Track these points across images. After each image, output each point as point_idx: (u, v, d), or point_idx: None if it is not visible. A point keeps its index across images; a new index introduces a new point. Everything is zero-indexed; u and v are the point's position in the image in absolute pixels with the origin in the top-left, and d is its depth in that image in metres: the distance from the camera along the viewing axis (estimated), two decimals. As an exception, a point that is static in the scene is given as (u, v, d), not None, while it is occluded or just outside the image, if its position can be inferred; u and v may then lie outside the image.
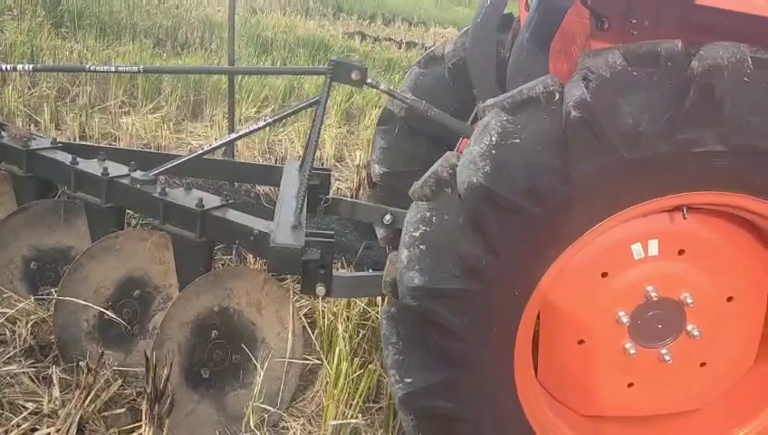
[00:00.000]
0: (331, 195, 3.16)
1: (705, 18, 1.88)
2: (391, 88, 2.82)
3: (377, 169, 3.35)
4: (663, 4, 1.90)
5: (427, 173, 2.03)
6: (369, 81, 2.60)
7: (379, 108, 6.43)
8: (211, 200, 2.45)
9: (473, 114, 2.98)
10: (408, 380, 1.99)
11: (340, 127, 5.93)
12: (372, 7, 15.32)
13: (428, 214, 1.96)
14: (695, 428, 2.30)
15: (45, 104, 4.78)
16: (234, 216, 2.41)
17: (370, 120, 6.16)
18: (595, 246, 1.97)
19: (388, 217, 3.09)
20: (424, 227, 1.95)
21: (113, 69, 3.18)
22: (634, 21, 2.07)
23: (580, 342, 2.14)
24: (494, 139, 1.85)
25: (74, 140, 4.41)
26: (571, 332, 2.12)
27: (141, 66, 2.82)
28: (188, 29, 8.07)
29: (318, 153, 4.90)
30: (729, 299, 2.10)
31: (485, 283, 1.87)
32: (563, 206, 1.82)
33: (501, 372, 2.00)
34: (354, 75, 2.56)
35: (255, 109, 5.93)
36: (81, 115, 4.83)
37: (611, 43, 2.03)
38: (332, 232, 2.41)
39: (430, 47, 11.17)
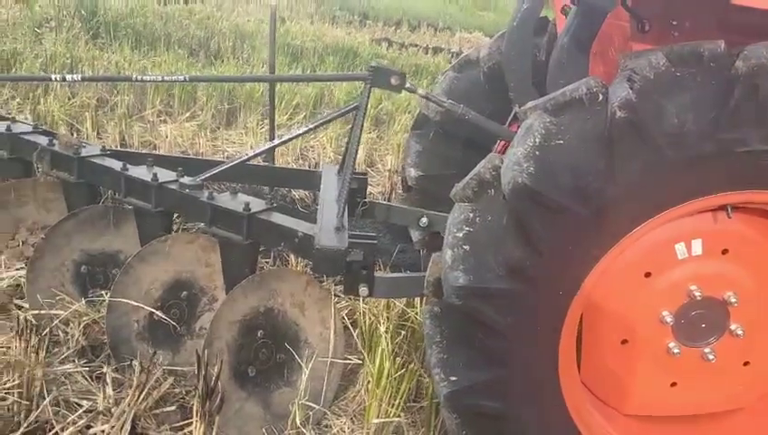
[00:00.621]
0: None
1: (744, 19, 1.90)
2: (428, 92, 2.85)
3: (412, 173, 3.40)
4: (702, 6, 1.92)
5: (470, 175, 2.06)
6: (407, 85, 2.64)
7: (409, 113, 6.51)
8: (257, 204, 2.51)
9: (510, 117, 3.01)
10: (453, 378, 2.02)
11: (370, 132, 5.99)
12: (398, 14, 15.41)
13: (472, 215, 2.00)
14: (738, 427, 2.30)
15: (86, 113, 4.91)
16: (279, 219, 2.47)
17: (400, 125, 6.21)
18: (639, 246, 1.99)
19: (424, 219, 3.12)
20: (467, 228, 1.99)
21: (160, 79, 3.27)
22: (675, 22, 2.09)
23: (624, 341, 2.15)
24: (537, 140, 1.88)
25: (115, 147, 4.52)
26: (615, 331, 2.14)
27: (187, 75, 2.89)
28: (220, 39, 8.20)
29: (350, 158, 4.97)
30: (774, 298, 2.10)
31: (530, 283, 1.89)
32: (608, 206, 1.85)
33: (545, 371, 2.02)
34: (393, 80, 2.60)
35: (288, 116, 6.01)
36: (120, 124, 4.95)
37: (652, 45, 2.05)
38: (374, 234, 2.46)
39: (456, 52, 11.32)
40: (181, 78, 2.75)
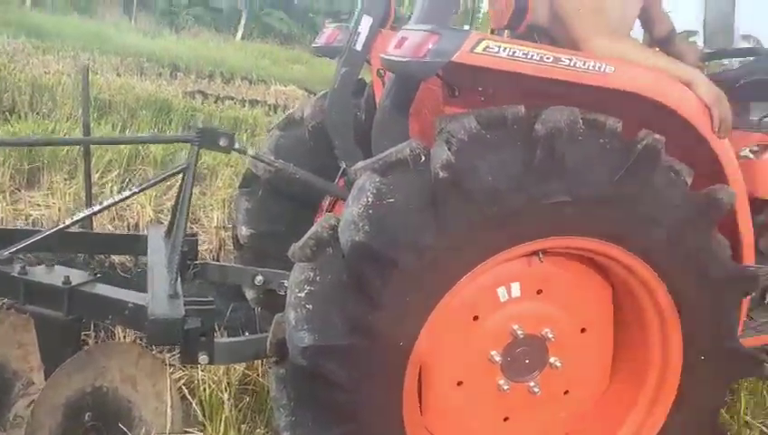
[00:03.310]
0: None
1: (531, 85, 2.16)
2: (258, 152, 2.88)
3: (243, 231, 3.37)
4: (499, 78, 2.15)
5: (307, 235, 2.11)
6: (236, 146, 2.64)
7: (231, 167, 6.42)
8: (78, 276, 2.34)
9: (339, 174, 3.12)
10: (303, 439, 2.02)
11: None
12: (210, 66, 15.25)
13: (312, 274, 2.04)
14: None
15: None
16: (104, 290, 2.33)
17: (223, 180, 6.11)
18: (467, 293, 2.14)
19: (259, 277, 3.09)
20: (309, 287, 2.02)
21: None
22: (480, 89, 2.32)
23: (459, 383, 2.29)
24: (370, 199, 1.98)
25: None
26: (451, 374, 2.27)
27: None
28: (15, 92, 7.57)
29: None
30: (583, 330, 2.36)
31: (372, 337, 1.96)
32: (437, 259, 1.98)
33: (392, 420, 2.09)
34: (222, 142, 2.59)
35: (99, 173, 5.66)
36: None
37: (462, 108, 2.25)
38: (212, 299, 2.40)
39: (273, 105, 11.41)
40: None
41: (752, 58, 3.35)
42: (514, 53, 2.05)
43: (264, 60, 18.56)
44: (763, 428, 3.12)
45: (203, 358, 2.30)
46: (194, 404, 2.63)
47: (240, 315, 3.60)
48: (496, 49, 2.04)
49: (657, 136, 2.10)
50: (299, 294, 2.02)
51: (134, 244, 3.07)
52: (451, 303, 2.10)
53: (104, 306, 2.29)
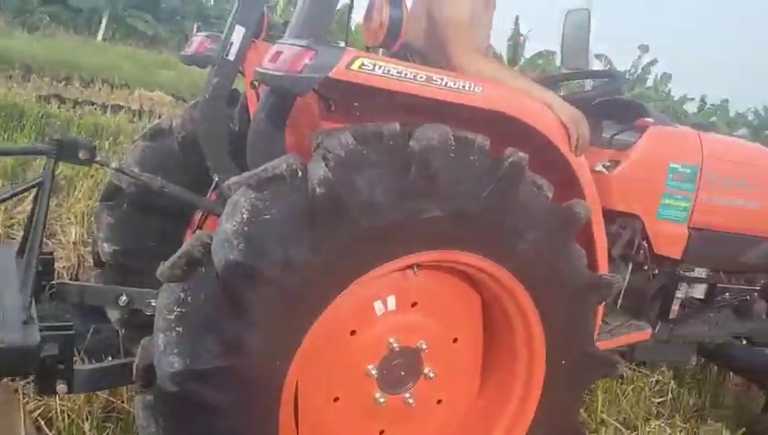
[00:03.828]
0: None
1: (405, 102, 2.21)
2: (122, 164, 2.72)
3: (106, 248, 3.18)
4: (372, 94, 2.19)
5: (177, 253, 2.02)
6: (98, 158, 2.49)
7: (91, 177, 6.05)
8: None
9: (212, 187, 3.02)
10: (174, 468, 1.93)
11: (47, 200, 5.41)
12: (67, 68, 14.33)
13: (183, 295, 1.96)
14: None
15: None
16: (-54, 317, 2.10)
17: (82, 192, 5.73)
18: (344, 308, 2.14)
19: (123, 298, 2.90)
20: (179, 309, 1.94)
21: None
22: (356, 104, 2.34)
23: (336, 399, 2.28)
24: (245, 216, 1.93)
25: None
26: (328, 391, 2.26)
27: None
28: None
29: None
30: (455, 340, 2.44)
31: (248, 357, 1.91)
32: (315, 275, 1.96)
33: (268, 441, 2.04)
34: (82, 154, 2.43)
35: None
36: None
37: (339, 122, 2.26)
38: (71, 323, 2.23)
39: (138, 110, 10.89)
40: None
41: (605, 79, 3.62)
42: (389, 71, 2.09)
43: (127, 63, 17.70)
44: (617, 424, 3.37)
45: (61, 387, 2.13)
46: (50, 431, 2.43)
47: (102, 338, 3.37)
48: (371, 67, 2.07)
49: (521, 153, 2.21)
50: (168, 317, 1.93)
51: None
52: (328, 319, 2.09)
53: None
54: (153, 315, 2.24)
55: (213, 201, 2.89)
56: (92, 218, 4.68)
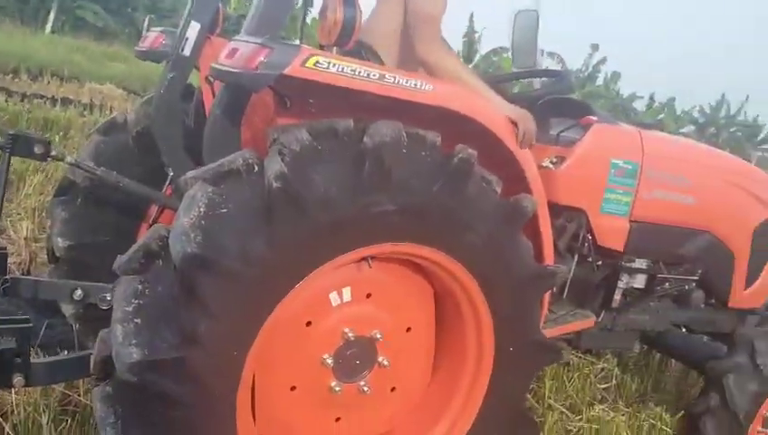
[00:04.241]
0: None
1: (359, 99, 2.28)
2: (77, 159, 2.73)
3: (60, 243, 3.17)
4: (327, 91, 2.26)
5: (135, 247, 2.06)
6: (53, 153, 2.49)
7: (42, 172, 5.95)
8: None
9: (167, 182, 3.04)
10: (132, 459, 1.96)
11: (-5, 195, 5.31)
12: (14, 60, 13.94)
13: (141, 287, 1.99)
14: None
15: None
16: None
17: (33, 186, 5.64)
18: (300, 299, 2.20)
19: (78, 292, 2.90)
20: (137, 301, 1.98)
21: None
22: (311, 101, 2.40)
23: (293, 388, 2.34)
24: (202, 210, 1.98)
25: None
26: (284, 380, 2.32)
27: None
28: None
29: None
30: (408, 330, 2.52)
31: (205, 347, 1.96)
32: (271, 267, 2.02)
33: (226, 430, 2.09)
34: (37, 148, 2.44)
35: None
36: None
37: (294, 118, 2.32)
38: (27, 317, 2.24)
39: (88, 104, 10.69)
40: None
41: (553, 79, 3.74)
42: (343, 69, 2.16)
43: (77, 55, 17.31)
44: (563, 409, 3.52)
45: (18, 380, 2.15)
46: (7, 429, 2.43)
47: (56, 333, 3.37)
48: (326, 64, 2.13)
49: (470, 150, 2.30)
50: (126, 308, 1.97)
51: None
52: (285, 309, 2.15)
53: None
54: (108, 309, 2.29)
55: (168, 196, 2.91)
56: (44, 214, 4.64)
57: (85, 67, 15.61)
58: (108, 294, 2.58)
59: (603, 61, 34.32)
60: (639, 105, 36.08)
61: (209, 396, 2.01)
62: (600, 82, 34.65)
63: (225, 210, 2.00)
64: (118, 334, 1.93)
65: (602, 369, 4.19)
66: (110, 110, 10.89)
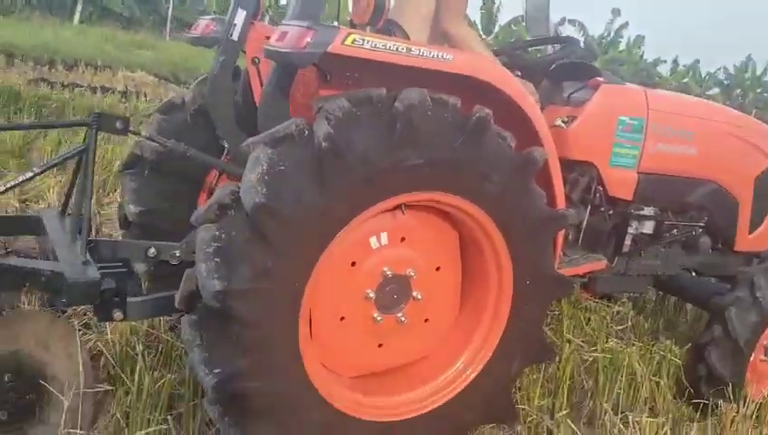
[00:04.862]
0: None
1: (389, 70, 2.66)
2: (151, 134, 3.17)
3: (132, 209, 3.61)
4: (361, 65, 2.64)
5: (210, 201, 2.48)
6: (131, 128, 2.93)
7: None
8: (-10, 251, 2.55)
9: (225, 151, 3.46)
10: (217, 370, 2.40)
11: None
12: (48, 52, 14.48)
13: (218, 233, 2.41)
14: (425, 370, 3.08)
15: None
16: (19, 262, 2.55)
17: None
18: (346, 242, 2.61)
19: (152, 250, 3.33)
20: (215, 244, 2.40)
21: None
22: (348, 74, 2.80)
23: (342, 318, 2.77)
24: (264, 167, 2.39)
25: None
26: (335, 311, 2.75)
27: None
28: None
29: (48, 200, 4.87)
30: (438, 269, 2.93)
31: (272, 280, 2.38)
32: (322, 213, 2.44)
33: (291, 351, 2.52)
34: (119, 124, 2.87)
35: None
36: None
37: (334, 90, 2.70)
38: (124, 261, 2.68)
39: (123, 91, 11.17)
40: None
41: (562, 45, 4.06)
42: (376, 45, 2.54)
43: (107, 44, 17.81)
44: (580, 342, 3.90)
45: (117, 314, 2.60)
46: (109, 357, 2.90)
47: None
48: (362, 42, 2.52)
49: (486, 110, 2.68)
50: (207, 250, 2.39)
51: (30, 224, 3.22)
52: (333, 251, 2.56)
53: (21, 276, 2.52)
54: (177, 265, 2.73)
55: (227, 163, 3.34)
56: (100, 191, 5.12)
57: (115, 55, 16.08)
58: (177, 251, 3.02)
59: (625, 25, 34.02)
60: (663, 69, 35.71)
61: (277, 320, 2.44)
62: (622, 47, 34.36)
63: (282, 167, 2.41)
64: (202, 271, 2.36)
65: (618, 312, 4.54)
66: (145, 96, 11.39)
